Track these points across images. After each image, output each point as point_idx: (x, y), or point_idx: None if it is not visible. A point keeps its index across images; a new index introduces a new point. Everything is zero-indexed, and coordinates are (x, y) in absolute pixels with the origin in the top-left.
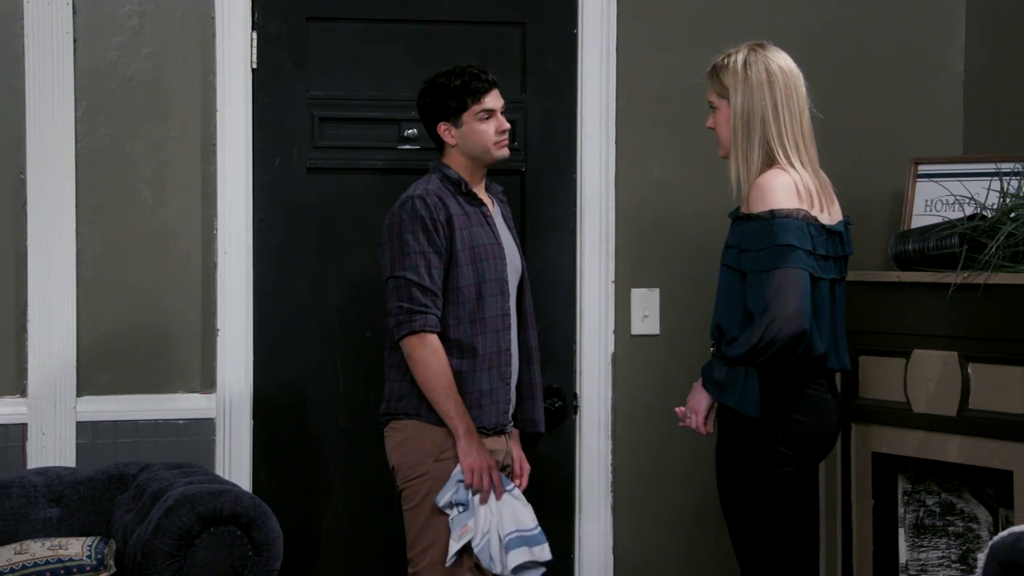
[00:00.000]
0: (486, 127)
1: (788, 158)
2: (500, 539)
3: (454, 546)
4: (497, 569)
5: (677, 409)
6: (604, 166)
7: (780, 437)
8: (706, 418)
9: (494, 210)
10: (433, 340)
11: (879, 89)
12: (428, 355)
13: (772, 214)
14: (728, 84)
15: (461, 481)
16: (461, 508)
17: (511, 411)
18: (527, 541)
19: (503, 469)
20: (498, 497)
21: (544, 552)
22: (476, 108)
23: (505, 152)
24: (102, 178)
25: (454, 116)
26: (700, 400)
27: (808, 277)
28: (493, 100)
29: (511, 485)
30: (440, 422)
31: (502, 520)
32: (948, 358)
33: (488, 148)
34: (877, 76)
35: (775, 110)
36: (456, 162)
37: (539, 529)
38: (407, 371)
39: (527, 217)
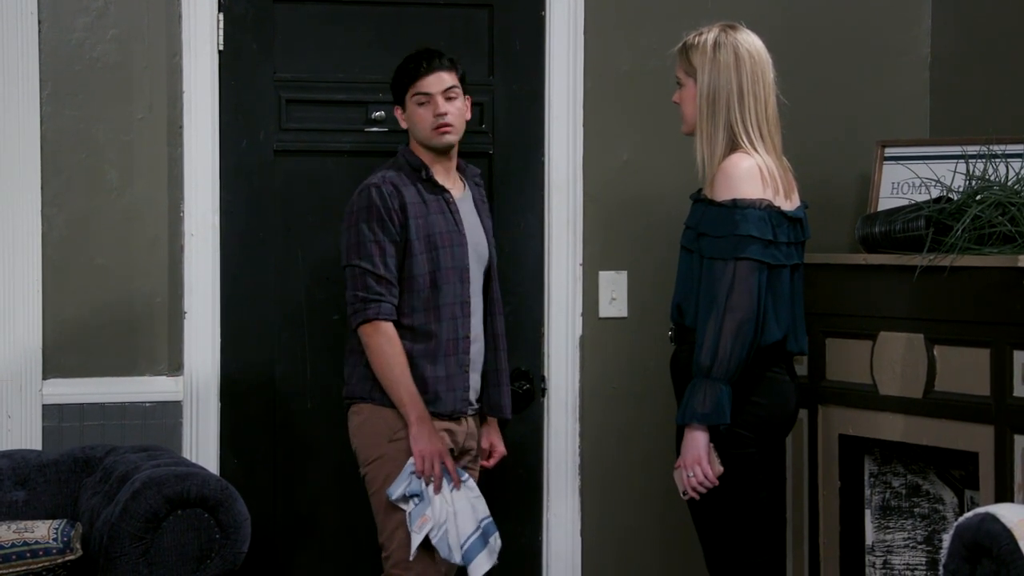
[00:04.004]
0: (423, 112)
1: (751, 142)
2: (458, 535)
3: (416, 538)
4: (456, 559)
5: (682, 486)
6: (572, 148)
7: (739, 419)
8: (710, 459)
9: (464, 195)
10: (387, 328)
11: (846, 72)
12: (382, 342)
13: (735, 203)
14: (696, 64)
15: (414, 473)
16: (417, 500)
17: (474, 397)
18: (485, 533)
19: (464, 453)
20: (456, 486)
21: (498, 540)
22: (412, 91)
23: (443, 139)
24: (68, 160)
25: (400, 100)
26: (698, 444)
27: (763, 270)
28: (431, 84)
29: (465, 475)
30: (392, 404)
31: (458, 516)
32: (914, 340)
33: (427, 134)
34: (844, 59)
35: (740, 94)
36: (415, 146)
37: (491, 517)
38: (364, 355)
39: (494, 200)
